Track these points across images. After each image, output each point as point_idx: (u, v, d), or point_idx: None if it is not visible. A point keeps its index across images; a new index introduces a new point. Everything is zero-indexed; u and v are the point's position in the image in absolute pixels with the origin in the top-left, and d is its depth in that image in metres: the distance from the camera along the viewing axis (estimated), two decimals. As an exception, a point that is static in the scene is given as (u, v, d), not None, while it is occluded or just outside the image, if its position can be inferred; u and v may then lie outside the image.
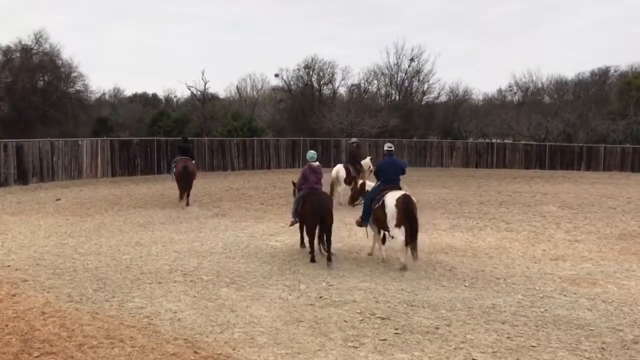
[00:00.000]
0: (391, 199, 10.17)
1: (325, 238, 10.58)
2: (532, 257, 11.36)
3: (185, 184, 18.07)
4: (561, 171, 34.81)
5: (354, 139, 20.92)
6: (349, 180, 17.48)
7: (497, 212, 17.53)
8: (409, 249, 10.03)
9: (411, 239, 9.93)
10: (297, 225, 11.71)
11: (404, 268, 10.05)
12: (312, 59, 49.04)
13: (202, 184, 24.57)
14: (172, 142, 30.19)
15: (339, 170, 18.50)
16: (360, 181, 12.56)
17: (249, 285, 8.96)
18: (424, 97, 51.50)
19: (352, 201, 12.45)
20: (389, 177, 10.79)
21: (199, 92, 45.77)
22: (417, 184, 25.74)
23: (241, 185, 24.20)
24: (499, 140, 45.73)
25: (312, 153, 12.03)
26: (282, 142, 34.12)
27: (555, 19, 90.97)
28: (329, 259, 10.39)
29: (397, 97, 50.40)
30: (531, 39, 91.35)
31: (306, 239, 11.23)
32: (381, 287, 8.87)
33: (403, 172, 11.06)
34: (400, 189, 10.62)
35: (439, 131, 50.02)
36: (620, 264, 10.85)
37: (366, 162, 20.35)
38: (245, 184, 24.42)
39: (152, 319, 7.36)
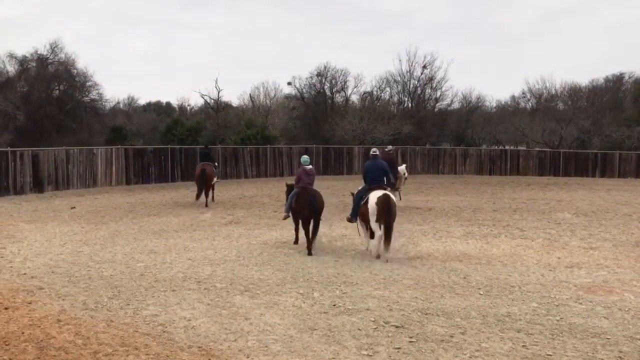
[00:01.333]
0: (373, 197, 11.56)
1: (313, 229, 12.21)
2: (547, 264, 11.27)
3: (202, 186, 20.00)
4: (575, 178, 34.58)
5: (389, 147, 21.96)
6: (389, 186, 17.60)
7: (511, 219, 17.42)
8: (388, 242, 11.37)
9: (386, 232, 11.33)
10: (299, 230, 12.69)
11: (377, 257, 11.52)
12: (325, 67, 49.26)
13: (215, 191, 24.65)
14: (186, 150, 30.38)
15: None
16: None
17: (262, 293, 8.96)
18: (437, 104, 51.51)
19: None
20: (373, 178, 12.17)
21: (212, 101, 46.10)
22: (431, 191, 25.68)
23: (254, 192, 24.25)
24: (512, 147, 45.53)
25: (305, 158, 13.25)
26: (295, 150, 34.18)
27: (568, 25, 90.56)
28: (310, 250, 12.01)
29: (410, 104, 50.38)
30: (544, 45, 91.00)
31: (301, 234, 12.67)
32: (395, 295, 8.83)
33: (386, 173, 12.38)
34: (384, 188, 11.93)
35: (452, 138, 49.90)
36: (637, 271, 10.72)
37: (402, 168, 21.11)
38: (258, 192, 24.46)
39: (166, 327, 7.38)
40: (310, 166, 12.97)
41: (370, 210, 11.56)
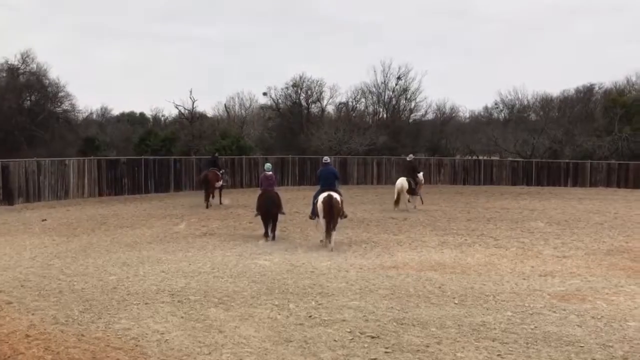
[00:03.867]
0: (321, 198, 14.11)
1: (272, 224, 15.25)
2: (520, 273, 11.36)
3: (206, 189, 23.20)
4: (548, 187, 35.03)
5: (410, 156, 24.73)
6: (410, 190, 21.78)
7: (485, 228, 17.56)
8: (329, 234, 13.90)
9: (328, 226, 13.86)
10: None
11: (325, 245, 13.95)
12: (300, 78, 49.21)
13: (189, 202, 24.49)
14: (160, 161, 30.13)
15: (403, 182, 21.88)
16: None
17: (237, 305, 8.87)
18: (412, 115, 51.76)
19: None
20: (325, 182, 14.52)
21: (186, 111, 45.74)
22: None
23: (229, 204, 24.09)
24: (486, 157, 46.00)
25: (268, 165, 16.38)
26: (270, 160, 34.04)
27: (539, 38, 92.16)
28: (273, 238, 15.12)
29: (385, 115, 50.60)
30: (516, 57, 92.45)
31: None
32: (371, 306, 8.82)
33: (337, 178, 14.85)
34: (334, 191, 14.25)
35: (427, 148, 50.22)
36: (609, 279, 10.86)
37: (420, 175, 23.20)
38: (233, 203, 24.32)
39: (139, 341, 7.25)
40: (271, 172, 15.97)
41: (318, 209, 14.10)
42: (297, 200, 24.05)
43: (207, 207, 22.64)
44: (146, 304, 8.91)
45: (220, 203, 23.72)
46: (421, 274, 11.18)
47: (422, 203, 22.70)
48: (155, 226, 17.71)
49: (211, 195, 23.43)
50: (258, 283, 10.29)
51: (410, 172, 22.70)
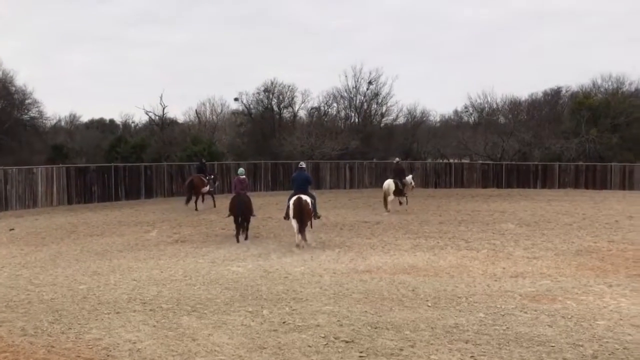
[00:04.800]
0: (292, 200, 15.07)
1: (245, 225, 16.19)
2: (492, 275, 11.48)
3: (189, 193, 24.08)
4: (518, 189, 35.50)
5: (397, 159, 26.42)
6: (397, 192, 22.76)
7: (456, 231, 17.72)
8: (302, 233, 14.91)
9: (300, 226, 14.86)
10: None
11: (297, 246, 14.73)
12: (272, 83, 49.15)
13: (161, 210, 24.25)
14: (130, 168, 29.79)
15: (390, 184, 22.75)
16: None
17: (210, 312, 8.80)
18: (383, 119, 52.03)
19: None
20: (298, 186, 15.50)
21: (157, 117, 45.35)
22: (379, 205, 25.89)
23: (202, 210, 23.92)
24: (456, 161, 46.45)
25: (241, 169, 17.32)
26: (242, 166, 33.85)
27: (508, 42, 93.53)
28: (245, 238, 16.06)
29: (357, 120, 50.79)
30: (485, 61, 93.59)
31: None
32: (345, 310, 8.82)
33: (309, 182, 15.91)
34: (305, 193, 15.23)
35: (399, 152, 50.53)
36: (578, 279, 11.04)
37: (408, 178, 24.09)
38: (205, 210, 24.14)
39: (110, 351, 7.15)
40: (244, 177, 16.94)
41: (290, 210, 15.08)
42: (269, 206, 23.98)
43: (196, 209, 23.74)
44: (117, 313, 8.79)
45: (197, 209, 23.87)
46: (394, 277, 11.23)
47: (400, 204, 23.35)
48: (126, 234, 17.49)
49: (201, 199, 24.52)
50: (231, 290, 10.23)
51: (397, 174, 23.61)
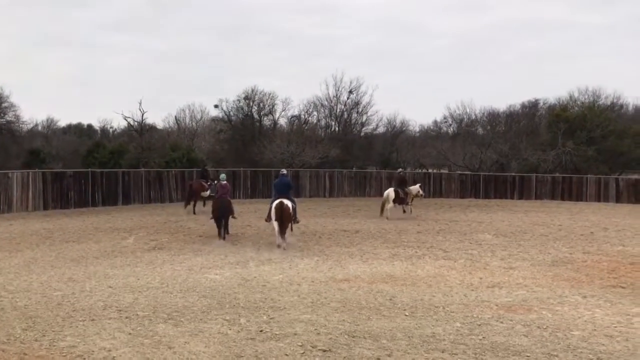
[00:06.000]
0: (274, 204, 16.06)
1: (224, 226, 17.48)
2: (469, 284, 11.56)
3: (189, 198, 25.23)
4: (495, 200, 35.79)
5: (400, 170, 28.50)
6: (398, 200, 23.94)
7: (434, 240, 17.82)
8: (282, 235, 15.86)
9: (281, 228, 15.87)
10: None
11: (278, 246, 15.74)
12: (252, 90, 49.18)
13: (138, 216, 24.04)
14: (108, 174, 29.51)
15: (390, 192, 24.06)
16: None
17: (187, 320, 8.74)
18: (363, 129, 52.30)
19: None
20: (279, 191, 16.55)
21: (136, 123, 45.03)
22: (357, 214, 25.96)
23: (179, 217, 23.77)
24: (435, 171, 46.78)
25: (223, 175, 19.13)
26: (222, 173, 33.75)
27: (487, 53, 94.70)
28: (224, 238, 17.18)
29: (337, 129, 50.98)
30: (464, 72, 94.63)
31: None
32: (322, 319, 8.82)
33: (290, 187, 17.10)
34: (287, 198, 16.16)
35: (378, 162, 50.76)
36: (554, 290, 11.16)
37: (415, 188, 25.64)
38: (184, 217, 24.00)
39: (84, 358, 7.05)
40: (225, 182, 18.39)
41: (272, 213, 16.10)
42: (248, 214, 23.90)
43: (193, 212, 24.55)
44: (92, 320, 8.68)
45: (194, 213, 24.63)
46: (372, 286, 11.25)
47: (404, 212, 24.72)
48: (102, 240, 17.30)
49: (202, 204, 25.33)
50: (208, 298, 10.17)
51: (399, 183, 25.04)
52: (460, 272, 12.82)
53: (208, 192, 25.65)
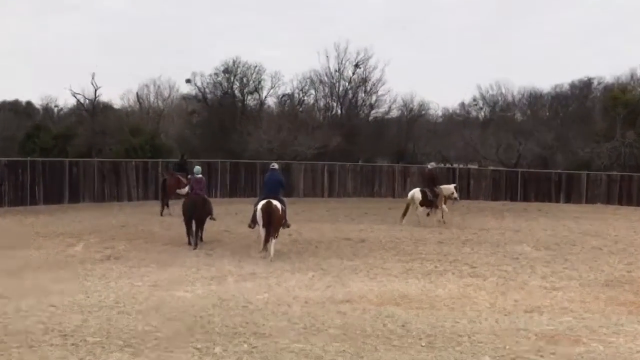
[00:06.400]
0: (260, 205, 16.23)
1: (196, 228, 17.88)
2: (501, 308, 11.57)
3: (162, 197, 25.79)
4: (536, 203, 35.80)
5: (432, 164, 28.05)
6: (425, 202, 24.01)
7: (459, 253, 17.84)
8: (268, 244, 16.02)
9: (267, 235, 15.93)
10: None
11: (264, 257, 15.90)
12: (234, 62, 49.18)
13: (89, 218, 24.05)
14: (52, 164, 29.49)
15: (415, 193, 24.31)
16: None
17: (148, 349, 8.75)
18: (372, 112, 52.34)
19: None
20: (269, 188, 16.78)
21: (87, 101, 45.00)
22: (364, 218, 25.99)
23: (141, 219, 23.77)
24: (461, 166, 46.81)
25: (198, 168, 19.55)
26: (194, 165, 33.73)
27: (528, 22, 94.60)
28: (195, 244, 17.58)
29: (339, 111, 51.00)
30: (500, 44, 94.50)
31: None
32: (318, 349, 8.83)
33: (282, 186, 17.27)
34: (275, 198, 16.37)
35: (390, 153, 50.77)
36: (607, 316, 11.17)
37: (448, 188, 25.52)
38: (146, 218, 24.00)
39: (19, 395, 7.07)
40: (200, 175, 18.98)
41: (258, 216, 16.24)
42: (227, 217, 23.92)
43: (161, 214, 25.08)
44: (30, 347, 8.69)
45: (161, 214, 25.08)
46: (381, 309, 11.26)
47: (443, 220, 24.45)
48: (43, 247, 17.30)
49: (166, 205, 25.50)
50: (176, 321, 10.17)
51: (428, 182, 24.94)
52: (491, 293, 12.83)
53: (187, 189, 25.37)
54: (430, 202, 24.08)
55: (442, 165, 46.55)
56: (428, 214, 24.60)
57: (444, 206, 24.71)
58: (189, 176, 25.55)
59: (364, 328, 9.98)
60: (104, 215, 24.98)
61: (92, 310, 10.71)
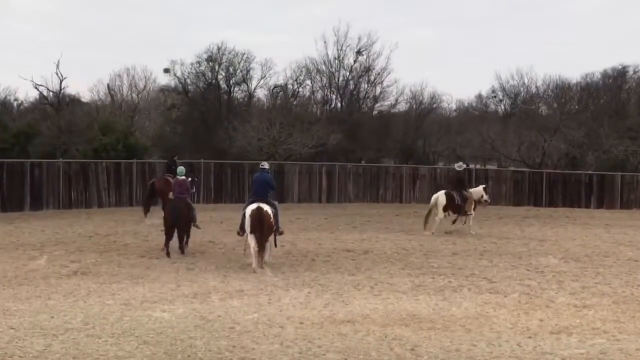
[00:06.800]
0: (248, 210, 16.54)
1: (179, 235, 18.49)
2: (525, 329, 11.57)
3: (148, 201, 26.32)
4: (563, 209, 35.76)
5: (460, 164, 27.19)
6: (452, 207, 24.06)
7: (476, 266, 17.84)
8: (260, 254, 16.28)
9: (259, 244, 16.18)
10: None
11: (254, 271, 16.04)
12: (219, 49, 49.16)
13: (53, 227, 23.99)
14: (11, 165, 29.43)
15: (440, 196, 24.20)
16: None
17: (121, 376, 8.73)
18: (376, 105, 52.38)
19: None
20: (257, 190, 17.25)
21: (51, 94, 44.97)
22: (367, 226, 25.99)
23: (112, 229, 23.75)
24: (478, 166, 46.83)
25: (181, 168, 20.06)
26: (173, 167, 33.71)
27: (554, 2, 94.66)
28: (182, 250, 18.46)
29: (340, 105, 51.02)
30: (521, 28, 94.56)
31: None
32: (315, 377, 8.82)
33: (271, 188, 17.59)
34: (265, 202, 16.72)
35: (397, 153, 50.79)
36: (645, 338, 11.18)
37: (478, 190, 25.89)
38: (118, 228, 23.98)
39: None
40: (184, 177, 19.47)
41: (246, 222, 16.51)
42: (211, 225, 23.90)
43: (145, 215, 25.62)
44: (-15, 376, 8.68)
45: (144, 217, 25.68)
46: (387, 330, 11.26)
47: (471, 229, 24.61)
48: (1, 261, 17.27)
49: (148, 210, 25.89)
50: (152, 345, 10.16)
51: (456, 184, 25.29)
52: (513, 312, 12.83)
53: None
54: (457, 206, 24.16)
55: (472, 166, 46.57)
56: (454, 221, 24.77)
57: (472, 212, 24.86)
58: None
59: (367, 352, 9.98)
60: (70, 224, 24.93)
61: (57, 333, 10.68)
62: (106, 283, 14.86)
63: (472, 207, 24.78)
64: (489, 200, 26.78)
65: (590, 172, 39.58)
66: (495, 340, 10.82)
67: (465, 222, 24.76)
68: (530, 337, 11.06)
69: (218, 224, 24.39)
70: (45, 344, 10.12)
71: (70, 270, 16.25)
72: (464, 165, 27.89)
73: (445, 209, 23.93)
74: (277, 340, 10.52)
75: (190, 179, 26.88)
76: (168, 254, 18.06)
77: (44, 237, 21.76)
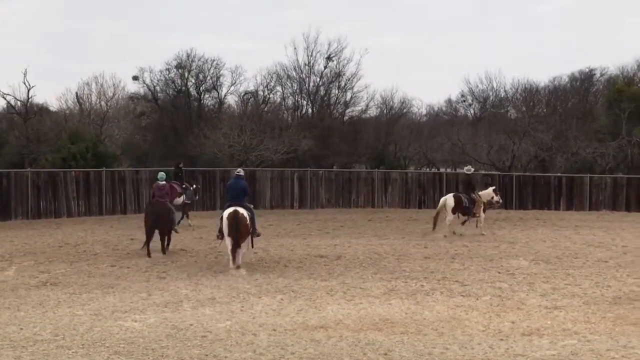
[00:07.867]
0: (225, 213, 17.35)
1: (161, 238, 19.51)
2: (496, 331, 11.61)
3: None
4: (533, 211, 35.99)
5: (468, 168, 27.61)
6: (460, 209, 24.33)
7: (448, 269, 17.90)
8: (236, 255, 17.04)
9: (235, 246, 16.94)
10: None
11: (232, 270, 16.93)
12: (188, 56, 48.92)
13: (22, 238, 23.78)
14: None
15: (448, 199, 24.66)
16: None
17: (92, 387, 8.65)
18: (347, 111, 52.36)
19: None
20: (233, 196, 17.99)
21: (18, 103, 44.54)
22: (340, 232, 26.00)
23: (82, 238, 23.58)
24: (449, 170, 46.98)
25: (161, 174, 20.98)
26: (143, 175, 33.57)
27: (522, 6, 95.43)
28: (163, 251, 19.45)
29: (311, 110, 51.00)
30: (490, 33, 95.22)
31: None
32: (288, 384, 8.78)
33: (246, 193, 18.32)
34: (240, 206, 17.48)
35: (369, 158, 50.83)
36: (616, 338, 11.24)
37: (488, 192, 26.32)
38: (88, 237, 23.81)
39: None
40: (164, 182, 20.54)
41: (223, 225, 17.29)
42: (183, 233, 23.78)
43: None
44: (-47, 390, 8.55)
45: (190, 225, 26.66)
46: (360, 335, 11.25)
47: (463, 224, 25.28)
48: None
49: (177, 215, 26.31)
50: (124, 355, 10.08)
51: (465, 187, 25.83)
52: (485, 314, 12.88)
53: (182, 199, 27.08)
54: (466, 209, 24.45)
55: (425, 169, 46.75)
56: (464, 223, 25.05)
57: (482, 215, 25.29)
58: (184, 185, 27.87)
59: (341, 358, 9.96)
60: (39, 234, 24.73)
61: (26, 345, 10.58)
62: (76, 293, 14.76)
63: (482, 209, 25.17)
64: (501, 202, 27.20)
65: (559, 174, 39.84)
66: (467, 343, 10.85)
67: (477, 225, 25.21)
68: (502, 339, 11.10)
69: (190, 232, 24.28)
70: (15, 355, 10.02)
71: (40, 281, 16.12)
72: (473, 169, 28.36)
73: (453, 211, 24.29)
74: (250, 348, 10.49)
75: (194, 186, 29.21)
76: (149, 254, 19.00)
77: (12, 247, 21.58)
